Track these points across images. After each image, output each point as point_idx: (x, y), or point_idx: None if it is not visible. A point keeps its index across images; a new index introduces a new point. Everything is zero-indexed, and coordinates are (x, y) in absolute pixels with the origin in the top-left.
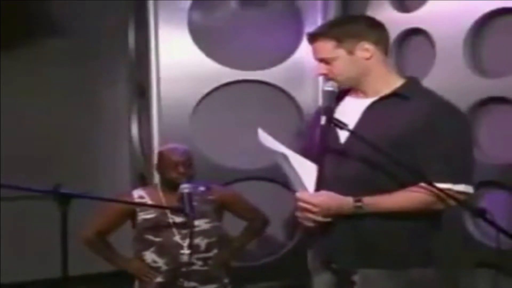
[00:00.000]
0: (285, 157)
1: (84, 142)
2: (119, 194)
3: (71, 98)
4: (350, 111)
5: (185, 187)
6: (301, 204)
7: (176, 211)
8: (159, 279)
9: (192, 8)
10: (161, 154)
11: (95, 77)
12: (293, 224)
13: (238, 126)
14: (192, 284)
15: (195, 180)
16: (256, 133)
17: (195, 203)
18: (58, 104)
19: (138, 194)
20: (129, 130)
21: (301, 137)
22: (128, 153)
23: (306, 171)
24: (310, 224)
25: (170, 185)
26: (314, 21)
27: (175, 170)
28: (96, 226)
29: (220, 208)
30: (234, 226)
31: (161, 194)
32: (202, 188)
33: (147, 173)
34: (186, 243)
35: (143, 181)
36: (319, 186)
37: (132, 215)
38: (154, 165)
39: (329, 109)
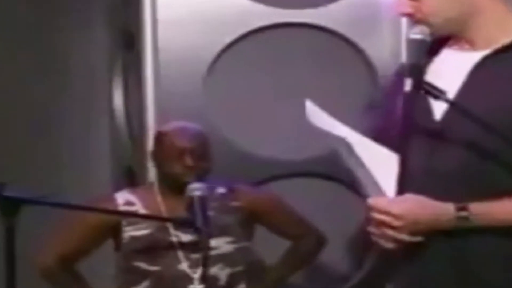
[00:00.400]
0: (347, 143)
1: (42, 119)
2: (96, 199)
3: (23, 51)
4: (450, 71)
5: (196, 188)
6: (376, 215)
7: (182, 224)
8: None
9: None
10: (159, 138)
11: (57, 19)
12: (362, 244)
13: (276, 94)
14: None
15: (211, 177)
16: (303, 106)
17: (211, 213)
18: (2, 61)
19: (124, 198)
20: (110, 100)
21: (375, 111)
22: (108, 135)
23: (381, 164)
24: (390, 245)
25: (173, 185)
26: None
27: (181, 162)
28: (60, 249)
29: (250, 220)
30: (270, 247)
31: (159, 198)
32: (222, 190)
33: (138, 167)
34: (197, 274)
35: (131, 178)
36: (403, 186)
37: (115, 232)
38: (148, 155)
39: (417, 68)
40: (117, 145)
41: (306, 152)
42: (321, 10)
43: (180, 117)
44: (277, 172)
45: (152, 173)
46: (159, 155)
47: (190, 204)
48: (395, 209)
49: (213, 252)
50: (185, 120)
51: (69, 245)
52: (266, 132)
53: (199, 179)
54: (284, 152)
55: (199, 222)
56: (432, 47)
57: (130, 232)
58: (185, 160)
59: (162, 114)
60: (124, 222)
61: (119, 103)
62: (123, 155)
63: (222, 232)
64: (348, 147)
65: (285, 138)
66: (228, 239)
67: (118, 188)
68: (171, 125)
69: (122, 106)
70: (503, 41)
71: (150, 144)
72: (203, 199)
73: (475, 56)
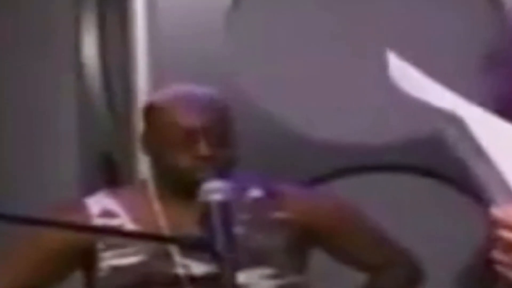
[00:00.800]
0: (457, 118)
1: None
2: (56, 208)
3: None
4: None
5: (214, 190)
6: (504, 232)
7: (192, 248)
8: None
9: None
10: (153, 113)
11: None
12: (481, 278)
13: (340, 41)
14: None
15: (240, 172)
16: (384, 60)
17: (240, 229)
18: None
19: (101, 206)
20: (77, 49)
21: (500, 66)
22: (75, 105)
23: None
24: None
25: (179, 185)
26: None
27: (189, 149)
28: (4, 284)
29: (302, 241)
30: (334, 284)
31: (156, 206)
32: (257, 193)
33: (122, 155)
34: None
35: (111, 173)
36: None
37: (87, 259)
38: (138, 136)
39: None
40: (88, 121)
41: (389, 133)
42: None
43: (188, 76)
44: (343, 165)
45: (144, 165)
46: (154, 140)
47: (206, 215)
48: None
49: None
50: (196, 81)
51: (18, 279)
52: (324, 101)
53: (220, 175)
54: (354, 133)
55: (219, 243)
56: None
57: (111, 260)
58: (196, 147)
59: (159, 72)
60: (101, 245)
61: (92, 54)
62: (98, 137)
63: (257, 260)
64: (459, 125)
65: (355, 110)
66: (267, 271)
67: (91, 190)
68: (172, 92)
69: (96, 58)
70: None
71: (141, 120)
72: (226, 207)
73: None
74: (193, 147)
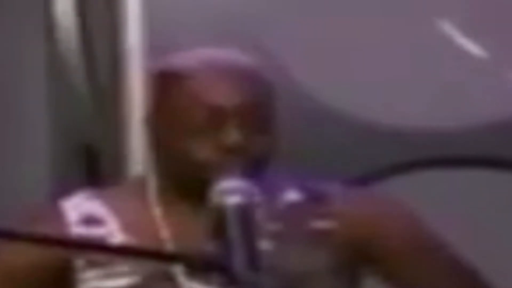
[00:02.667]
0: None
1: None
2: (22, 215)
3: None
4: None
5: (231, 190)
6: None
7: (201, 268)
8: None
9: None
10: (170, 81)
11: None
12: None
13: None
14: None
15: (273, 168)
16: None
17: (266, 243)
18: None
19: (81, 210)
20: (47, 3)
21: None
22: (43, 76)
23: None
24: None
25: (192, 183)
26: None
27: (214, 135)
28: None
29: (354, 259)
30: None
31: (156, 211)
32: (292, 195)
33: (107, 144)
34: None
35: (93, 167)
36: None
37: (60, 281)
38: (128, 120)
39: None
40: (62, 99)
41: (467, 114)
42: None
43: (197, 38)
44: (404, 157)
45: (136, 158)
46: (164, 121)
47: (220, 224)
48: None
49: None
50: (219, 44)
51: None
52: (379, 74)
53: (251, 171)
54: (419, 115)
55: (238, 263)
56: None
57: (93, 282)
58: (222, 133)
59: (157, 34)
60: (80, 262)
61: (66, 10)
62: (75, 120)
63: (291, 286)
64: None
65: (418, 85)
66: None
67: (67, 190)
68: (194, 57)
69: (72, 16)
70: None
71: (137, 97)
72: (247, 214)
73: None
74: (218, 132)
